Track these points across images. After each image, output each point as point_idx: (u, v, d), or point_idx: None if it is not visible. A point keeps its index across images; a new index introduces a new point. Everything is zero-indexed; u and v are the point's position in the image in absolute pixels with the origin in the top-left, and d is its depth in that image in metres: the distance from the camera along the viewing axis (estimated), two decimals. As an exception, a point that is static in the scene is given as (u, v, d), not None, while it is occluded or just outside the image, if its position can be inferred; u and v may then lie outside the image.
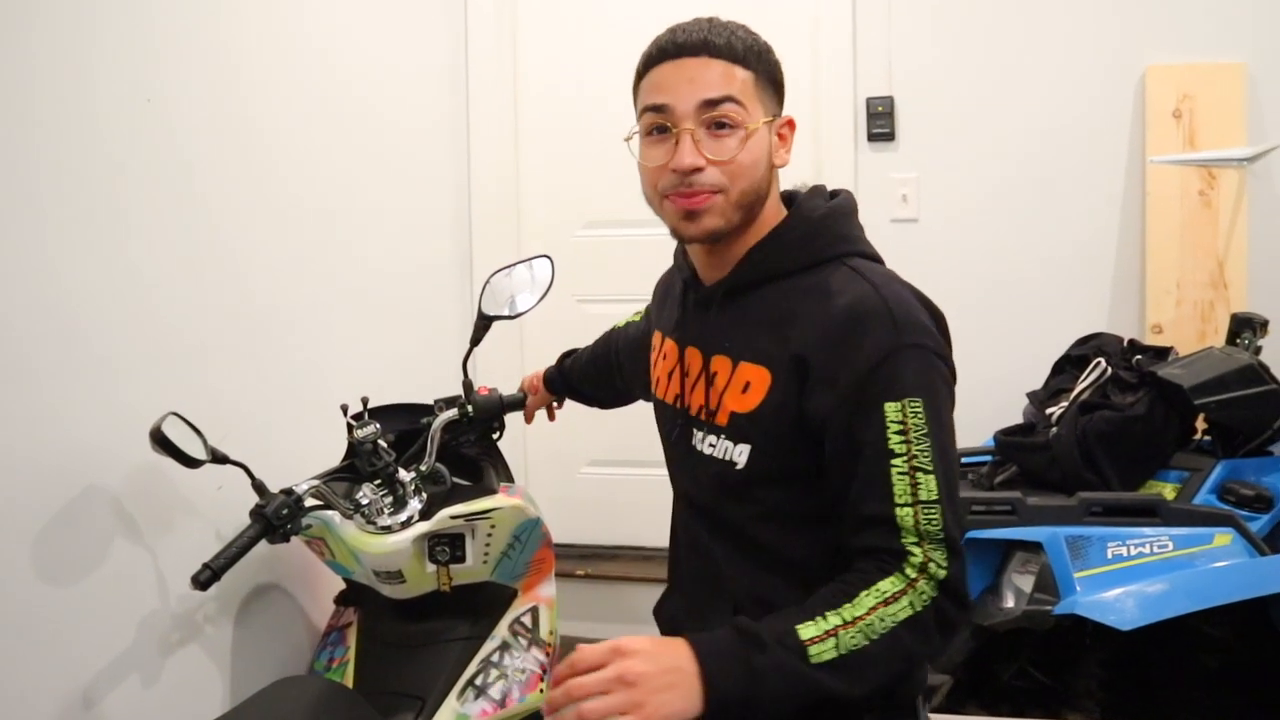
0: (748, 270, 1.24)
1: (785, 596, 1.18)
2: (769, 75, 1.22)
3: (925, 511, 1.10)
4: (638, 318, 1.79)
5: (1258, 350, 2.17)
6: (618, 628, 2.87)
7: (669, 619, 1.45)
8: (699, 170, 1.17)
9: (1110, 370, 2.21)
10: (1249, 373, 2.04)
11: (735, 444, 1.22)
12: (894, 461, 1.10)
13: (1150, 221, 2.63)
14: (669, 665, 0.99)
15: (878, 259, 1.26)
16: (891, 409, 1.10)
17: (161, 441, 1.47)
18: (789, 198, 1.30)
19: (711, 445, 1.26)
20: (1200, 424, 2.20)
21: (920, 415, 1.11)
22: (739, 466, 1.22)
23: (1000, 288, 2.73)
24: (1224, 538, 1.87)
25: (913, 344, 1.13)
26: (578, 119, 3.03)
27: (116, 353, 1.61)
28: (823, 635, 1.05)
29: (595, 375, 1.87)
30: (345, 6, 2.38)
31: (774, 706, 1.02)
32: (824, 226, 1.24)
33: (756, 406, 1.19)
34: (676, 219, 1.21)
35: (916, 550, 1.10)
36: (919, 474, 1.10)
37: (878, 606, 1.07)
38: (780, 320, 1.20)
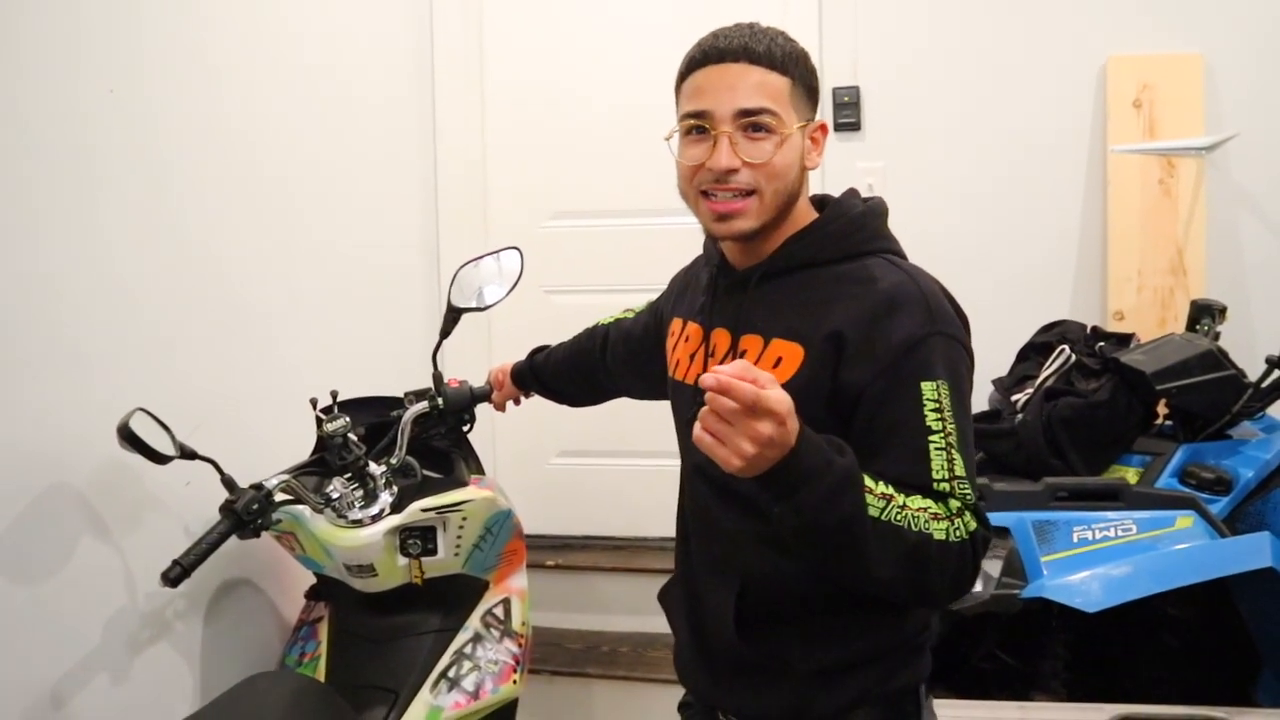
0: (786, 257, 1.28)
1: (792, 574, 1.24)
2: (805, 82, 1.26)
3: (960, 486, 1.14)
4: (630, 314, 1.78)
5: (1217, 336, 2.21)
6: (589, 617, 2.89)
7: (675, 602, 1.48)
8: (734, 171, 1.22)
9: (1074, 357, 2.25)
10: (1209, 358, 2.08)
11: None
12: (932, 438, 1.14)
13: (1112, 210, 2.67)
14: (782, 441, 1.00)
15: (906, 259, 1.31)
16: (928, 388, 1.15)
17: (129, 438, 1.46)
18: (820, 202, 1.35)
19: None
20: (1162, 409, 2.24)
21: (949, 399, 1.16)
22: None
23: (965, 276, 2.71)
24: (1185, 520, 1.91)
25: (944, 332, 1.19)
26: (545, 109, 3.02)
27: (83, 346, 1.59)
28: (878, 495, 1.08)
29: (572, 371, 1.86)
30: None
31: (820, 506, 1.04)
32: (862, 223, 1.30)
33: (787, 381, 1.20)
34: (710, 219, 1.26)
35: (954, 503, 1.14)
36: (952, 451, 1.15)
37: (923, 512, 1.11)
38: (816, 302, 1.24)
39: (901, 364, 1.15)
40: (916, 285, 1.22)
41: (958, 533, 1.12)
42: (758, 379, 0.97)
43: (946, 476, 1.14)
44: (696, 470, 1.37)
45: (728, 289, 1.34)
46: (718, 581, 1.33)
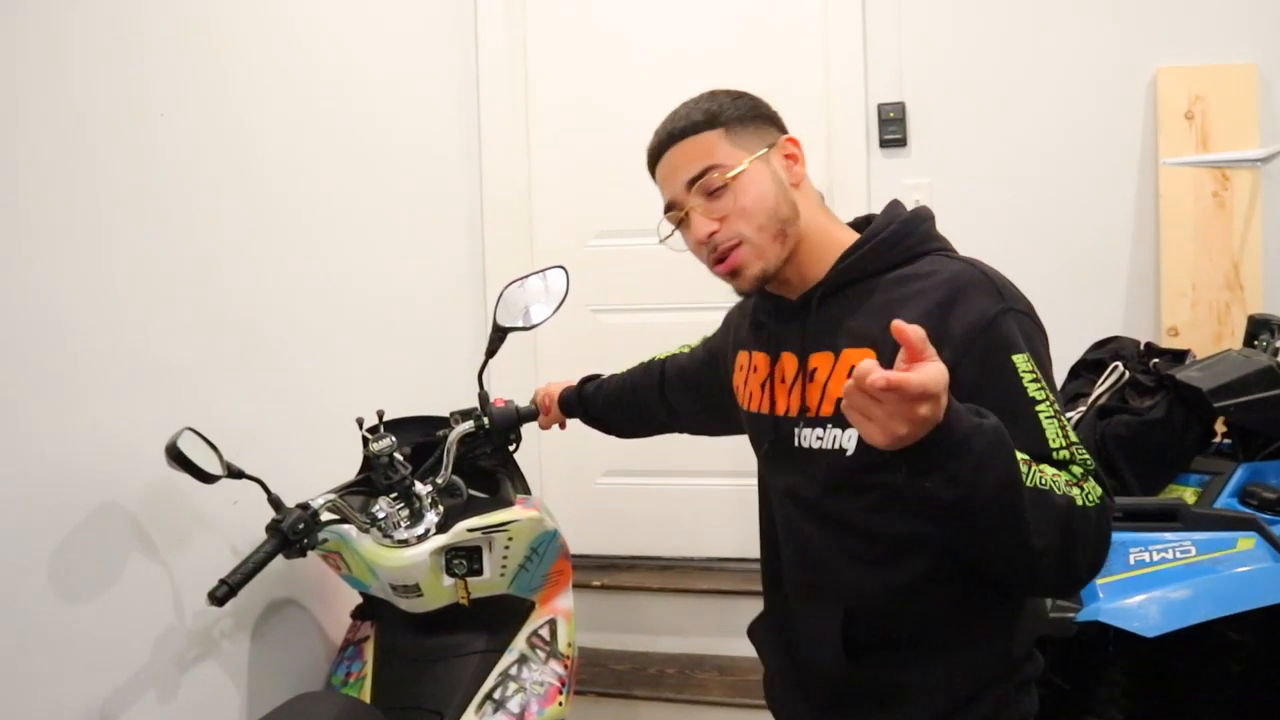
0: (842, 272, 1.28)
1: (899, 594, 1.22)
2: (740, 118, 1.30)
3: (1078, 451, 1.12)
4: (686, 349, 1.80)
5: (1276, 352, 2.15)
6: (636, 638, 2.87)
7: (767, 632, 1.45)
8: (714, 234, 1.28)
9: (1127, 374, 2.20)
10: (1269, 374, 2.02)
11: (844, 430, 1.24)
12: (1039, 407, 1.12)
13: (1164, 223, 2.62)
14: (935, 417, 0.94)
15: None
16: (1019, 359, 1.13)
17: (177, 457, 1.47)
18: (865, 221, 1.36)
19: (819, 438, 1.27)
20: (1220, 427, 2.18)
21: (1040, 369, 1.14)
22: (849, 453, 1.23)
23: (1014, 292, 2.71)
24: (1247, 542, 1.85)
25: (1015, 309, 1.18)
26: (589, 129, 3.03)
27: (134, 368, 1.61)
28: (1025, 462, 1.04)
29: (624, 404, 1.87)
30: (355, 20, 2.38)
31: (975, 473, 0.98)
32: (913, 227, 1.30)
33: None
34: (727, 281, 1.32)
35: (1076, 469, 1.12)
36: (1061, 418, 1.13)
37: (1057, 477, 1.07)
38: (879, 307, 1.23)
39: (983, 343, 1.13)
40: (978, 269, 1.21)
41: (1089, 498, 1.08)
42: (924, 352, 0.93)
43: (1064, 444, 1.11)
44: (788, 494, 1.35)
45: (787, 315, 1.34)
46: (817, 608, 1.31)
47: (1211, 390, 1.99)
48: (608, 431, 1.94)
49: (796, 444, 1.31)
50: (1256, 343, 2.19)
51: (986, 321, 1.14)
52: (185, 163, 1.76)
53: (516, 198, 3.08)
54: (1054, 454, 1.11)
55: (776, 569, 1.40)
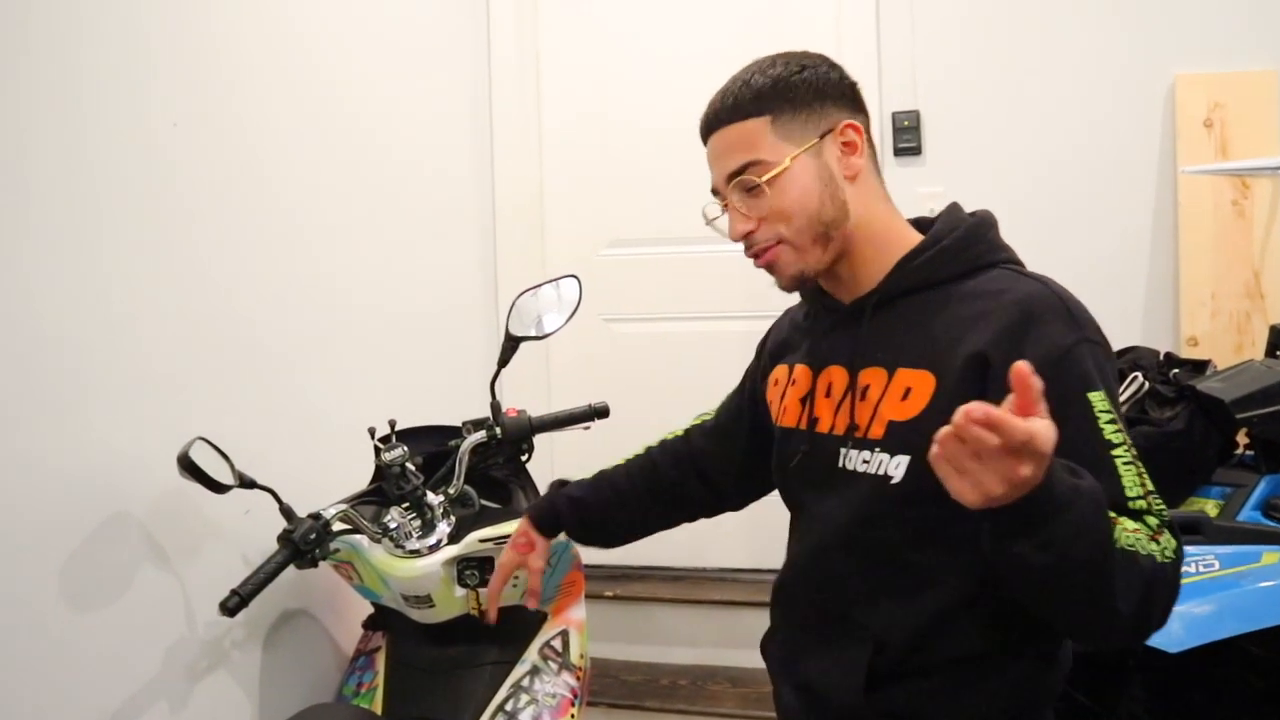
0: (901, 279, 1.21)
1: (929, 625, 1.15)
2: (794, 102, 1.20)
3: (1154, 501, 1.04)
4: (705, 417, 1.58)
5: (1299, 362, 2.12)
6: (648, 649, 2.85)
7: (778, 650, 1.35)
8: (750, 233, 1.21)
9: (1147, 384, 2.17)
10: (1291, 385, 2.00)
11: (892, 456, 1.15)
12: (1116, 452, 1.04)
13: (1183, 232, 2.60)
14: (1035, 479, 0.86)
15: (1025, 268, 1.24)
16: (1096, 399, 1.05)
17: (189, 467, 1.46)
18: (918, 224, 1.28)
19: (865, 462, 1.18)
20: (1241, 439, 2.16)
21: (1116, 407, 1.06)
22: (894, 480, 1.15)
23: (1031, 302, 2.69)
24: (1272, 556, 1.82)
25: (1091, 339, 1.10)
26: (602, 137, 3.03)
27: (145, 379, 1.61)
28: (1112, 521, 0.97)
29: (645, 492, 1.57)
30: (366, 28, 2.38)
31: (1071, 538, 0.91)
32: (979, 234, 1.23)
33: (920, 412, 1.13)
34: (769, 275, 1.24)
35: (1152, 520, 1.03)
36: (1138, 464, 1.05)
37: (1136, 533, 0.99)
38: (942, 324, 1.15)
39: (1057, 378, 1.00)
40: (1052, 292, 1.14)
41: (1166, 553, 1.00)
42: (1036, 407, 0.83)
43: (1141, 493, 1.03)
44: (819, 517, 1.26)
45: (836, 324, 1.26)
46: (838, 639, 1.22)
47: (1234, 401, 1.97)
48: (598, 542, 1.63)
49: (840, 465, 1.22)
50: (1278, 353, 2.17)
51: (1061, 353, 1.06)
52: (196, 175, 1.75)
53: (528, 206, 3.08)
54: (1129, 503, 1.03)
55: (790, 590, 1.33)
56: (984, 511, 0.89)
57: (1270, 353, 2.20)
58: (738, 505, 1.58)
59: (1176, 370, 2.22)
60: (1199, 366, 2.23)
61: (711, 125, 1.23)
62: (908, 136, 2.77)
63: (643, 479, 1.56)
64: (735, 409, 1.52)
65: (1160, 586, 0.99)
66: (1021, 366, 0.82)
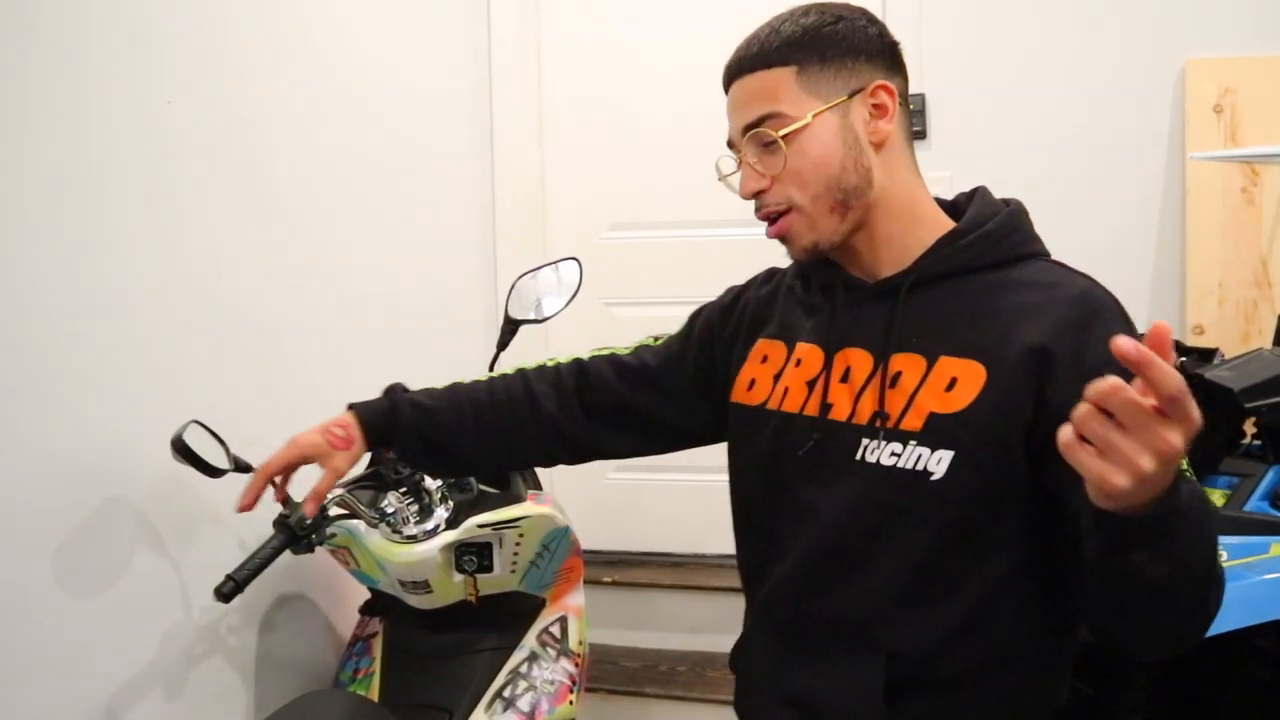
0: (943, 260, 1.13)
1: (951, 640, 1.09)
2: (824, 53, 1.11)
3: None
4: (627, 351, 1.45)
5: (1308, 351, 2.10)
6: (647, 635, 2.84)
7: (762, 666, 1.26)
8: (762, 192, 1.14)
9: (1153, 372, 2.15)
10: (1301, 375, 1.98)
11: (933, 450, 1.07)
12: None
13: (1190, 219, 2.57)
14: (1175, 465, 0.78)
15: None
16: None
17: (183, 450, 1.44)
18: (947, 204, 1.21)
19: (895, 454, 1.09)
20: (1249, 428, 2.14)
21: None
22: (935, 477, 1.06)
23: (1036, 288, 2.67)
24: (1280, 547, 1.81)
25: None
26: (603, 120, 3.00)
27: (140, 362, 1.59)
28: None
29: (509, 419, 1.40)
30: (366, 14, 2.35)
31: (1190, 546, 0.86)
32: (1018, 222, 1.16)
33: (968, 405, 1.06)
34: (782, 246, 1.18)
35: None
36: (1192, 472, 0.98)
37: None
38: (990, 313, 1.09)
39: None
40: (1105, 291, 1.09)
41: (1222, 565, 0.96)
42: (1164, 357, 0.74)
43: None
44: (823, 512, 1.16)
45: (857, 301, 1.17)
46: (841, 650, 1.14)
47: (1243, 390, 1.94)
48: (445, 465, 1.48)
49: (860, 457, 1.12)
50: (1288, 342, 2.15)
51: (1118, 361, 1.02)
52: (194, 159, 1.73)
53: (529, 189, 3.05)
54: None
55: (784, 600, 1.21)
56: (1102, 517, 0.83)
57: (1278, 341, 2.18)
58: (584, 458, 1.47)
59: (1183, 359, 2.20)
60: (1206, 355, 2.20)
61: (734, 73, 1.15)
62: (913, 120, 2.74)
63: (508, 403, 1.39)
64: (672, 363, 1.38)
65: (1218, 596, 0.94)
66: (1162, 325, 0.75)
